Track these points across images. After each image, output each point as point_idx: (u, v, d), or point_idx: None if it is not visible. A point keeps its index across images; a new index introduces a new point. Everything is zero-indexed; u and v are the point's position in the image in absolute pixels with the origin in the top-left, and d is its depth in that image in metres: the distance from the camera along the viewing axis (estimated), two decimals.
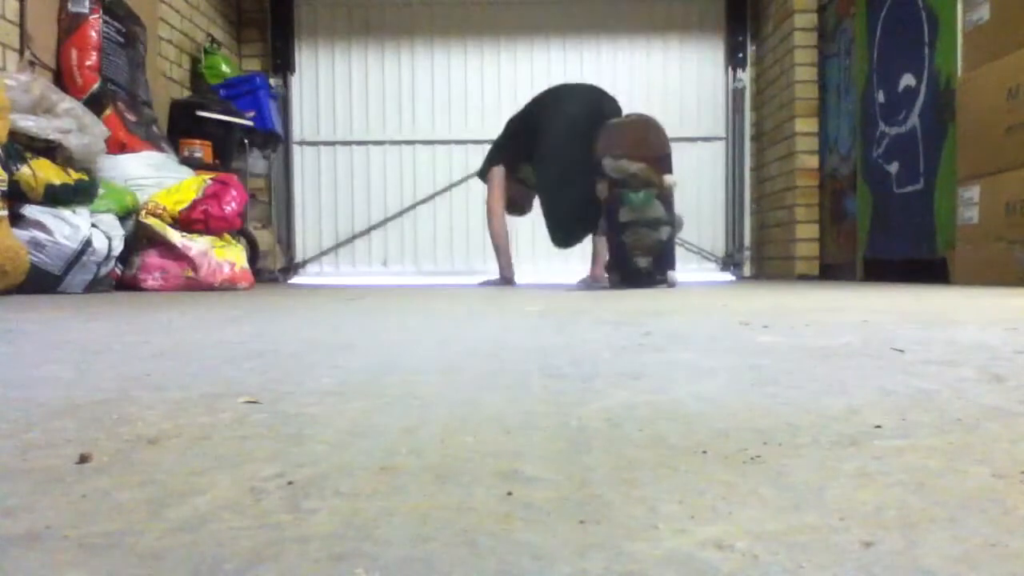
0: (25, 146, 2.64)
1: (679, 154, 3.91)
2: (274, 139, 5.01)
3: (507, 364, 0.91)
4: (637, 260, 3.37)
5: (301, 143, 5.66)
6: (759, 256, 5.64)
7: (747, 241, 5.68)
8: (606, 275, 3.57)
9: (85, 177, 2.80)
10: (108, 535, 0.34)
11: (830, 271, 4.74)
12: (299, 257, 5.69)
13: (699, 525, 0.31)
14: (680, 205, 4.20)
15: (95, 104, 3.33)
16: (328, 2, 5.66)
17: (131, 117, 3.63)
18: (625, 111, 3.86)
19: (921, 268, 3.60)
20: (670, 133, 3.53)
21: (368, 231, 5.69)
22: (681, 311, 1.75)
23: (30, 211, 2.63)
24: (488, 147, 5.42)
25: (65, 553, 0.32)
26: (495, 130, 5.74)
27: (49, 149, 2.72)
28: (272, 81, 5.35)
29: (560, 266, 5.36)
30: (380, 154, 5.68)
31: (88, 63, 3.42)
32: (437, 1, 5.65)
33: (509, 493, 0.36)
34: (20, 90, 2.68)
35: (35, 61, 3.21)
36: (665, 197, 3.39)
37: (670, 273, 3.57)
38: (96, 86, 3.43)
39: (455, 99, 5.70)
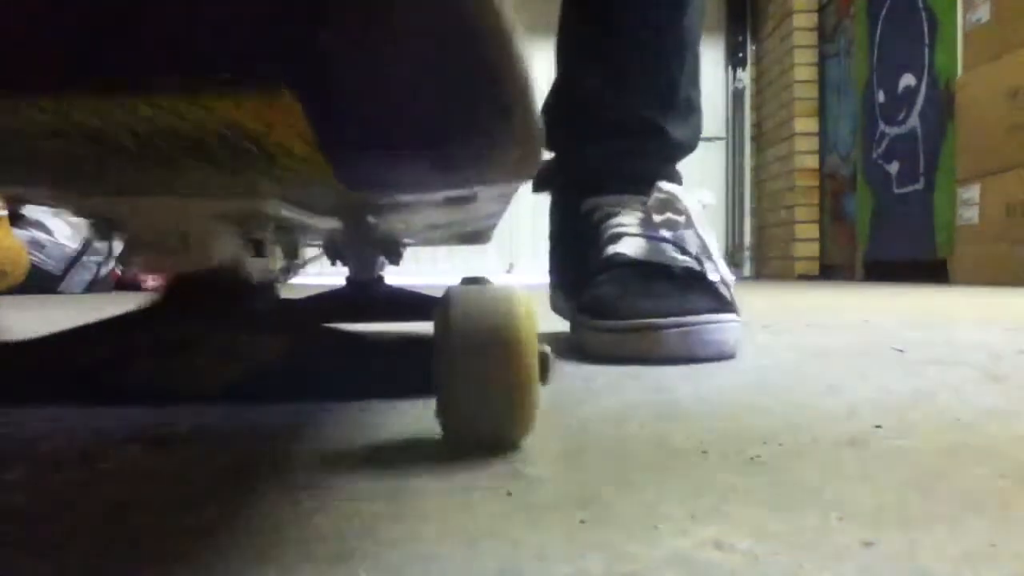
0: None
1: None
2: None
3: None
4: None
5: None
6: (759, 256, 5.64)
7: (747, 241, 5.69)
8: None
9: None
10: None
11: (830, 271, 4.74)
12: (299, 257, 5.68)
13: (699, 525, 0.31)
14: None
15: None
16: None
17: None
18: None
19: (921, 268, 3.60)
20: None
21: None
22: None
23: (30, 211, 2.63)
24: None
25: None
26: None
27: None
28: None
29: None
30: None
31: None
32: None
33: (509, 493, 0.36)
34: None
35: None
36: None
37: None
38: None
39: None
